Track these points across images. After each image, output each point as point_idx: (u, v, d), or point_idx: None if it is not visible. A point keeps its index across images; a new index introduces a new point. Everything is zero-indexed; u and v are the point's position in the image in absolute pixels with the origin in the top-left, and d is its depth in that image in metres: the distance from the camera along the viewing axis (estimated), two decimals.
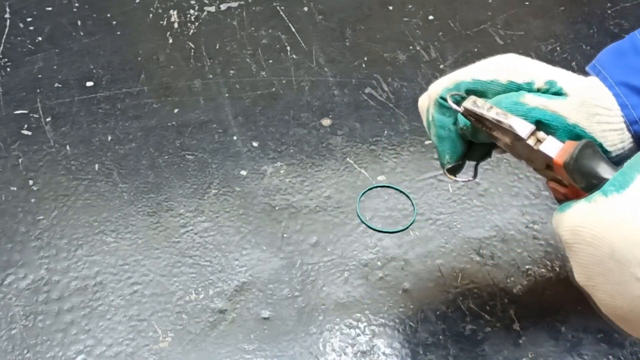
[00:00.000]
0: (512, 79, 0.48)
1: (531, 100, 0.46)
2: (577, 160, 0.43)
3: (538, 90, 0.47)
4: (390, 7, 0.91)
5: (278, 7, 0.91)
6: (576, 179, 0.43)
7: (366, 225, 0.69)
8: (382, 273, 0.65)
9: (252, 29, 0.89)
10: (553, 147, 0.45)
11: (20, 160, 0.74)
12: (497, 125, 0.47)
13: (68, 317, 0.62)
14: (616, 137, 0.46)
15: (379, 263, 0.66)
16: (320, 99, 0.81)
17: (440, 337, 0.61)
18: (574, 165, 0.43)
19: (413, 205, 0.70)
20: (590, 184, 0.43)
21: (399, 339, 0.61)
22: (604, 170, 0.42)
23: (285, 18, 0.90)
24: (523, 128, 0.46)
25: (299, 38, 0.88)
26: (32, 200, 0.71)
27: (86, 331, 0.61)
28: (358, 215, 0.70)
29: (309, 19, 0.90)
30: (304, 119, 0.79)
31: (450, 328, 0.61)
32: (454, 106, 0.49)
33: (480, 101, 0.48)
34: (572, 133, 0.46)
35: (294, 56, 0.85)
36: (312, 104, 0.80)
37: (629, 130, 0.46)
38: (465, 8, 0.91)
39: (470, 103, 0.48)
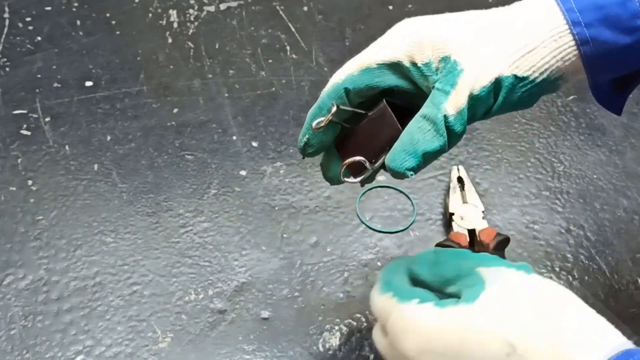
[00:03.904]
0: (414, 59, 0.44)
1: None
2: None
3: (437, 71, 0.44)
4: (390, 7, 0.91)
5: (278, 7, 0.91)
6: None
7: (366, 225, 0.69)
8: None
9: (252, 28, 0.89)
10: None
11: (19, 160, 0.74)
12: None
13: (67, 318, 0.62)
14: (542, 63, 0.43)
15: (379, 263, 0.66)
16: None
17: None
18: None
19: (413, 205, 0.70)
20: None
21: None
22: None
23: (285, 18, 0.90)
24: None
25: (298, 38, 0.87)
26: (31, 200, 0.71)
27: (85, 331, 0.61)
28: (358, 216, 0.69)
29: (308, 19, 0.90)
30: (303, 118, 0.78)
31: None
32: (349, 180, 0.47)
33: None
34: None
35: (294, 56, 0.85)
36: (312, 104, 0.80)
37: (579, 51, 0.43)
38: (465, 8, 0.91)
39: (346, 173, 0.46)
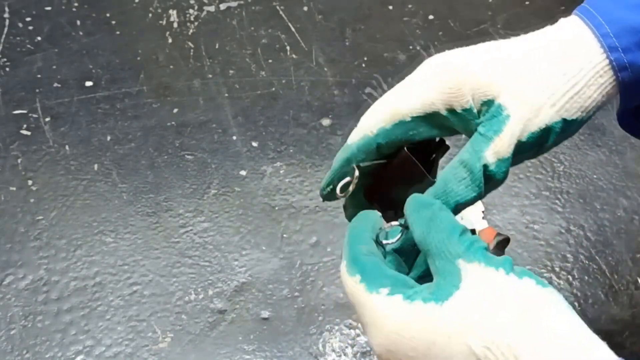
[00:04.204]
0: (452, 105, 0.41)
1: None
2: None
3: (478, 113, 0.41)
4: (390, 7, 0.91)
5: (278, 7, 0.91)
6: None
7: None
8: None
9: (252, 28, 0.89)
10: None
11: (19, 160, 0.74)
12: None
13: (67, 318, 0.62)
14: (586, 103, 0.41)
15: None
16: (320, 99, 0.80)
17: None
18: None
19: None
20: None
21: None
22: None
23: (285, 18, 0.90)
24: None
25: (298, 38, 0.87)
26: (31, 200, 0.71)
27: (85, 331, 0.61)
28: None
29: (308, 19, 0.90)
30: (303, 119, 0.79)
31: None
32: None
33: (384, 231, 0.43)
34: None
35: (294, 56, 0.85)
36: (312, 104, 0.80)
37: (616, 77, 0.41)
38: (465, 8, 0.91)
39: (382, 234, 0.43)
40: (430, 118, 0.42)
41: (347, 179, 0.44)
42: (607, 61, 0.41)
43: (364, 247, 0.41)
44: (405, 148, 0.43)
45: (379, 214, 0.44)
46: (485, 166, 0.40)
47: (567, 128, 0.41)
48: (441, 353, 0.35)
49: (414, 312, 0.36)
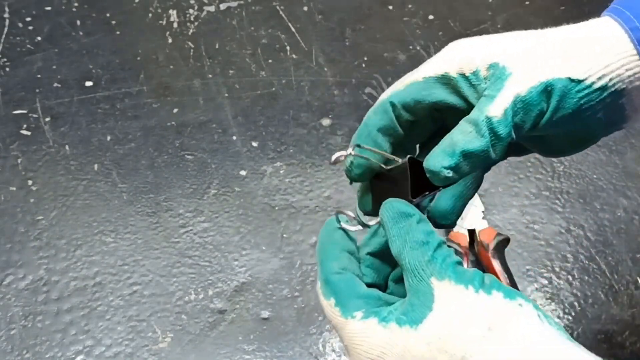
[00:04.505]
0: (463, 70, 0.41)
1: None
2: None
3: (485, 79, 0.41)
4: (390, 7, 0.91)
5: (278, 7, 0.91)
6: None
7: (366, 225, 0.69)
8: None
9: (252, 28, 0.89)
10: None
11: (19, 160, 0.74)
12: None
13: (67, 318, 0.62)
14: (597, 64, 0.41)
15: None
16: (320, 99, 0.80)
17: None
18: None
19: None
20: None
21: None
22: None
23: (285, 18, 0.90)
24: None
25: (298, 38, 0.87)
26: (31, 200, 0.71)
27: (85, 331, 0.61)
28: (358, 216, 0.69)
29: (308, 19, 0.90)
30: (303, 119, 0.79)
31: None
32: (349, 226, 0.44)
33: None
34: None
35: (294, 56, 0.85)
36: (312, 104, 0.80)
37: None
38: (465, 8, 0.91)
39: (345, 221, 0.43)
40: (442, 80, 0.42)
41: (345, 152, 0.43)
42: (636, 56, 0.40)
43: (336, 263, 0.41)
44: (409, 157, 0.42)
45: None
46: (489, 119, 0.39)
47: (572, 90, 0.40)
48: None
49: (389, 336, 0.37)
